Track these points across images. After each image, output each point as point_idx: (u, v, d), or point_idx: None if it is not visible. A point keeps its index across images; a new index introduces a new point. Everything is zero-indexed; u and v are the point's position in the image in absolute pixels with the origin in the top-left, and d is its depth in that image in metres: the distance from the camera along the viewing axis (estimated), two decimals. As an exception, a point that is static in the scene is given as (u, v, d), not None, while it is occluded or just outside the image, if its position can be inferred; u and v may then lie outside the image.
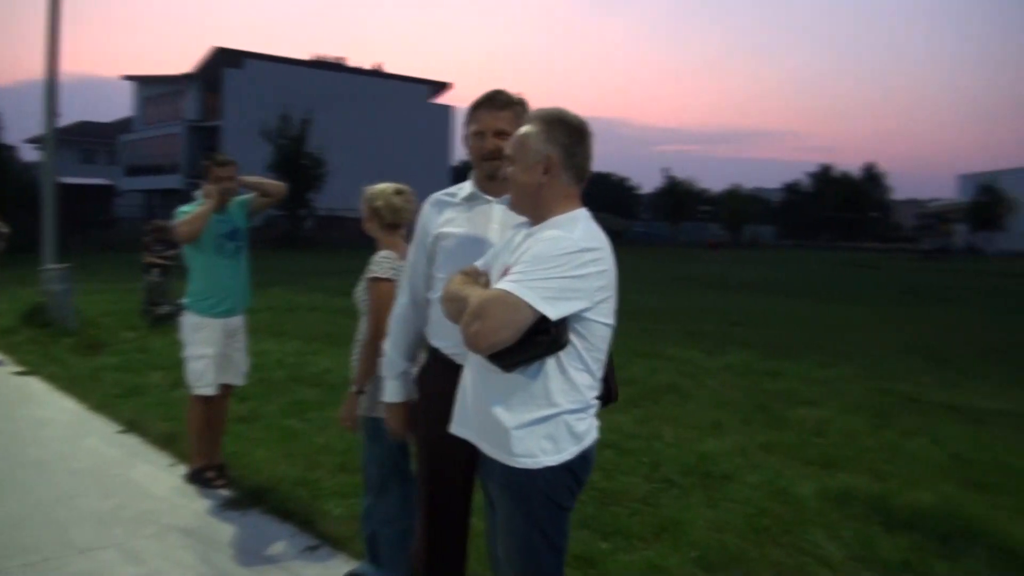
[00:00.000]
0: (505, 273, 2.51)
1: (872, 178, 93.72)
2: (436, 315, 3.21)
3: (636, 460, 6.14)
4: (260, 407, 7.49)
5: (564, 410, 2.52)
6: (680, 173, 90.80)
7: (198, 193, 5.70)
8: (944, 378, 10.57)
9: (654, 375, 9.70)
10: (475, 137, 3.19)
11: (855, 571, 4.44)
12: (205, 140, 55.05)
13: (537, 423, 2.50)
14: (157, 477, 5.80)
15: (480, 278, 2.75)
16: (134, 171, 62.11)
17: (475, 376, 2.64)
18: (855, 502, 5.41)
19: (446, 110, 66.15)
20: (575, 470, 2.57)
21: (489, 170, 3.16)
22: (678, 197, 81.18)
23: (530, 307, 2.35)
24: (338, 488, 5.43)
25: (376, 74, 65.67)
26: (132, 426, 6.91)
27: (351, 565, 4.36)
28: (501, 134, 3.11)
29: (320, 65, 64.45)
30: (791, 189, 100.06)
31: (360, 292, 4.07)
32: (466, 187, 3.28)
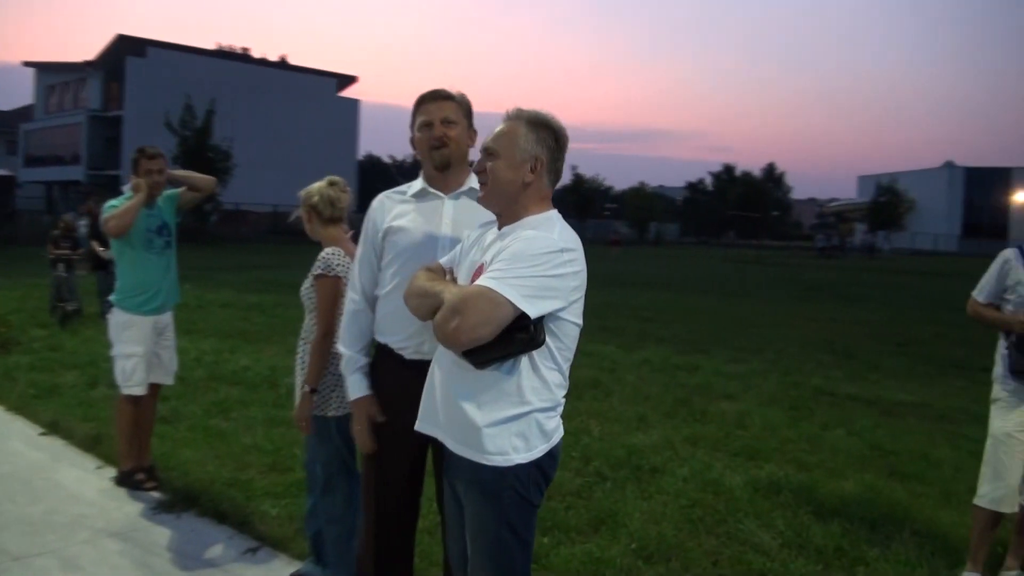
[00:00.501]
0: (479, 271, 2.52)
1: (773, 178, 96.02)
2: (384, 311, 3.21)
3: (566, 455, 6.18)
4: (182, 407, 7.33)
5: (536, 408, 2.54)
6: (586, 171, 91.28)
7: (126, 187, 5.54)
8: (852, 372, 10.92)
9: (575, 371, 9.61)
10: (423, 128, 3.19)
11: (790, 558, 4.57)
12: (107, 130, 53.56)
13: (509, 421, 2.52)
14: (85, 480, 5.62)
15: (445, 275, 2.76)
16: (34, 162, 60.05)
17: (445, 373, 2.63)
18: (784, 492, 5.57)
19: (353, 104, 65.55)
20: (544, 467, 2.60)
21: (439, 159, 3.16)
22: (584, 195, 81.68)
23: (511, 304, 2.36)
24: (271, 488, 5.37)
25: (282, 66, 64.70)
26: (54, 428, 6.67)
27: (294, 566, 4.31)
28: (447, 122, 3.16)
29: (225, 55, 63.27)
30: (694, 188, 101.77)
31: (307, 289, 4.02)
32: (416, 184, 3.27)
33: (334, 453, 3.98)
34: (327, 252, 3.93)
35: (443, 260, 2.88)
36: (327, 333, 3.83)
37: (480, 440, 2.52)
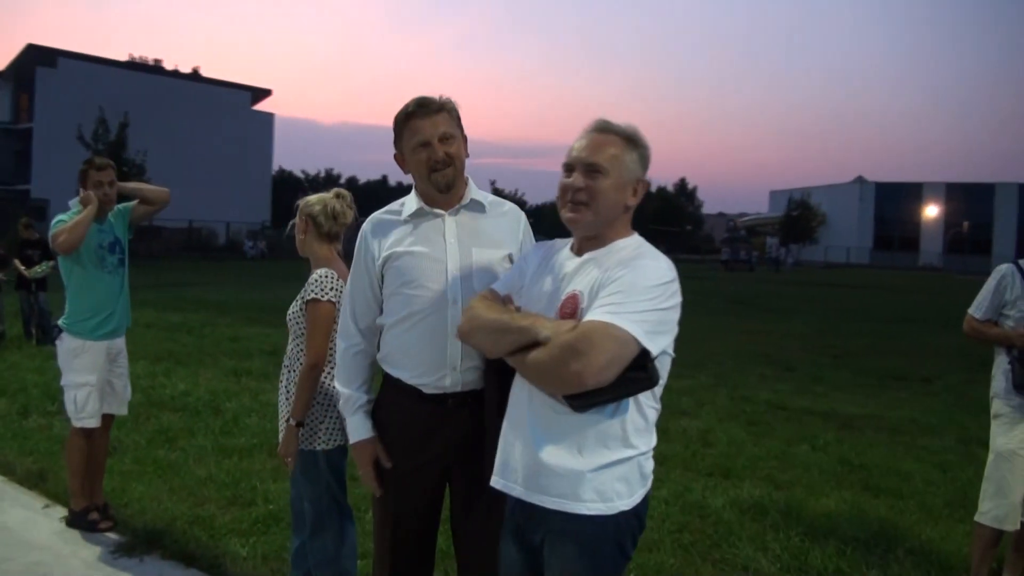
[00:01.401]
0: (572, 301, 2.29)
1: (685, 192, 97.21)
2: (395, 342, 2.92)
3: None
4: (123, 436, 6.87)
5: (640, 452, 2.32)
6: (504, 186, 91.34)
7: (74, 201, 5.15)
8: (797, 385, 10.95)
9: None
10: (420, 149, 2.86)
11: (794, 583, 4.44)
12: (17, 144, 51.65)
13: (612, 466, 2.27)
14: (34, 522, 5.14)
15: (508, 304, 2.50)
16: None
17: (531, 419, 2.35)
18: (770, 513, 5.44)
19: (267, 117, 64.59)
20: (640, 515, 2.37)
21: (443, 181, 2.86)
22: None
23: (636, 342, 2.13)
24: (235, 524, 5.02)
25: (195, 78, 63.43)
26: (-10, 463, 6.18)
27: (276, 610, 4.02)
28: (446, 139, 2.86)
29: (137, 67, 61.67)
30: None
31: (295, 314, 3.72)
32: (409, 203, 2.97)
33: (324, 490, 3.70)
34: (320, 274, 3.63)
35: (497, 285, 2.61)
36: (316, 362, 3.55)
37: (581, 487, 2.25)
